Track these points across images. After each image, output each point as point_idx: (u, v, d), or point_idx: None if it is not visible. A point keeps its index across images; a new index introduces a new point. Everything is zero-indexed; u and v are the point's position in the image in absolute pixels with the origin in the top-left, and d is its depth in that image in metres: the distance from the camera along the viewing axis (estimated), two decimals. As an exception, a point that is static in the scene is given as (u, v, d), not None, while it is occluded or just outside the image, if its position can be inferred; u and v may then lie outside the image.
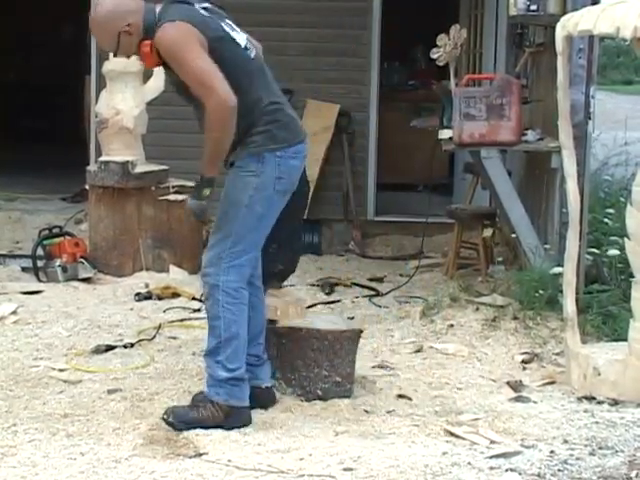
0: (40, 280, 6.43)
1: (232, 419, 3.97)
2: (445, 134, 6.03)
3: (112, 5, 3.95)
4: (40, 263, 6.61)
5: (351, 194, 8.26)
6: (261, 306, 4.24)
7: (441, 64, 6.31)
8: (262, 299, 4.26)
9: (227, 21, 4.09)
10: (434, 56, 6.28)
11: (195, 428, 3.90)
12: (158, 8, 3.98)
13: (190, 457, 3.66)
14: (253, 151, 3.98)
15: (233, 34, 4.05)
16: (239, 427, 3.95)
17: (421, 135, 7.53)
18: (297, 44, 8.25)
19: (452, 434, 3.94)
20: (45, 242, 6.65)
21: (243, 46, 4.06)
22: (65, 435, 3.83)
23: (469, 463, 3.65)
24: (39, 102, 14.39)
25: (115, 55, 4.06)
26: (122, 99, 6.82)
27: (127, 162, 6.62)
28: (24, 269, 6.78)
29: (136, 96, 6.82)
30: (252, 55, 4.09)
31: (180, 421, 3.92)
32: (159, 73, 6.73)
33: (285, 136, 4.03)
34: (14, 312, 5.59)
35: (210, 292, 3.99)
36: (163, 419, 3.93)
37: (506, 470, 3.60)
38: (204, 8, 4.03)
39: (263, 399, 4.20)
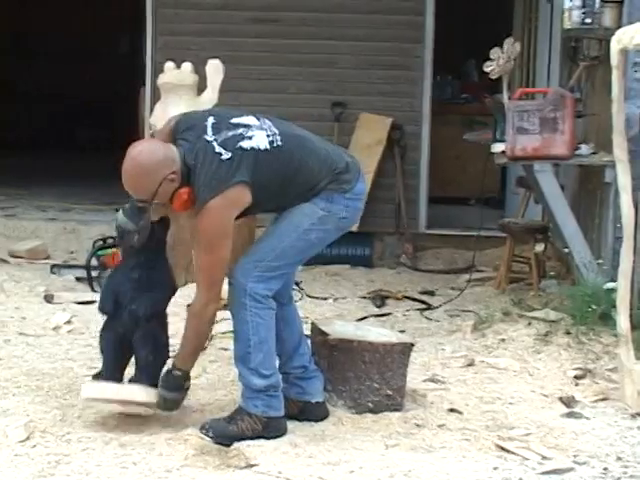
0: (94, 290, 6.50)
1: (270, 430, 3.98)
2: (498, 148, 6.00)
3: (162, 153, 3.89)
4: (94, 273, 6.68)
5: (403, 207, 8.25)
6: (296, 319, 4.30)
7: (494, 77, 6.29)
8: (295, 313, 4.33)
9: (248, 126, 4.00)
10: (487, 69, 6.26)
11: (234, 442, 3.91)
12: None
13: (241, 468, 3.67)
14: (322, 195, 4.03)
15: (257, 142, 3.97)
16: (276, 437, 3.97)
17: (473, 149, 7.51)
18: (350, 57, 8.29)
19: (503, 449, 3.92)
20: (99, 253, 6.72)
21: (268, 146, 3.98)
22: (118, 444, 3.85)
23: (520, 479, 3.63)
24: (95, 113, 14.56)
25: (146, 202, 3.93)
26: (176, 111, 6.84)
27: (181, 174, 6.67)
28: (78, 279, 6.86)
29: (190, 108, 6.85)
30: (280, 142, 4.01)
31: (219, 435, 3.93)
32: (213, 86, 6.81)
33: (349, 178, 4.10)
34: (68, 322, 5.66)
35: (236, 296, 4.00)
36: (202, 433, 3.93)
37: (558, 486, 3.58)
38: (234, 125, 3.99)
39: (315, 414, 4.20)
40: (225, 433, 3.94)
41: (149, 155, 3.90)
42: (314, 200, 4.03)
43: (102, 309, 4.09)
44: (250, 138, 3.96)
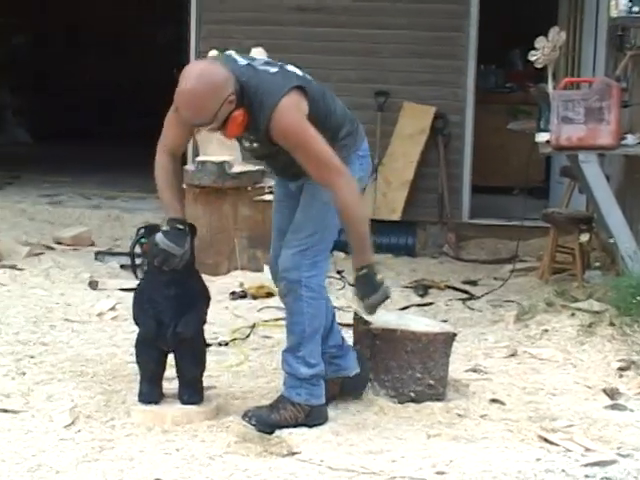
0: (138, 277, 6.53)
1: (312, 418, 3.99)
2: (542, 137, 5.96)
3: (223, 72, 3.75)
4: (138, 261, 6.72)
5: (446, 196, 8.23)
6: (328, 298, 4.28)
7: (539, 67, 6.24)
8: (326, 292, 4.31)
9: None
10: (532, 58, 6.21)
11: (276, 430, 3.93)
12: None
13: (283, 456, 3.69)
14: (341, 156, 3.96)
15: (294, 69, 3.97)
16: (318, 425, 3.97)
17: (517, 138, 7.47)
18: (394, 46, 8.26)
19: (546, 440, 3.90)
20: (143, 240, 6.75)
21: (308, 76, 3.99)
22: (161, 431, 3.88)
23: (563, 470, 3.61)
24: (140, 102, 14.64)
25: (204, 126, 3.81)
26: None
27: (224, 162, 6.69)
28: (122, 266, 6.91)
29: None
30: (311, 78, 4.01)
31: (262, 424, 3.93)
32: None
33: (360, 131, 4.08)
34: (112, 308, 5.71)
35: (291, 288, 3.98)
36: (244, 421, 3.94)
37: (601, 479, 3.55)
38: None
39: (355, 387, 4.23)
40: (267, 421, 3.95)
41: (213, 73, 3.73)
42: None
43: (146, 332, 4.02)
44: (287, 65, 3.96)
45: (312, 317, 4.00)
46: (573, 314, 5.41)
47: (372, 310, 3.91)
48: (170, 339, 3.97)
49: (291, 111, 3.76)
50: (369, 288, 3.86)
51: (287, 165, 3.96)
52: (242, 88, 3.77)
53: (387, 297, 3.91)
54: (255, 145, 3.93)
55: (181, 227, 3.93)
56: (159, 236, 3.90)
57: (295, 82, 3.82)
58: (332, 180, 3.77)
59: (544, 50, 6.14)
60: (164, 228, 3.95)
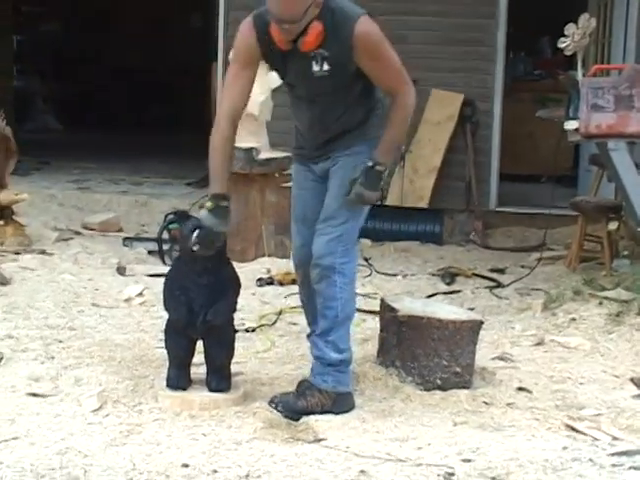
0: (165, 263, 6.57)
1: (339, 405, 4.00)
2: (571, 125, 5.92)
3: None
4: (165, 246, 6.75)
5: (473, 184, 8.21)
6: None
7: (569, 54, 6.20)
8: None
9: None
10: (562, 45, 6.17)
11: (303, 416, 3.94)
12: None
13: (309, 442, 3.69)
14: (375, 139, 4.00)
15: None
16: (344, 412, 3.98)
17: (546, 126, 7.43)
18: (422, 33, 8.23)
19: (573, 429, 3.89)
20: (170, 226, 6.78)
21: None
22: (188, 416, 3.89)
23: (590, 459, 3.60)
24: (166, 88, 14.69)
25: (291, 24, 3.82)
26: (248, 86, 6.88)
27: (252, 149, 6.70)
28: (150, 252, 6.94)
29: (262, 83, 6.84)
30: None
31: (288, 410, 3.94)
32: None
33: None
34: (140, 294, 5.73)
35: (324, 274, 3.99)
36: (271, 407, 3.95)
37: (629, 468, 3.53)
38: None
39: None
40: (294, 408, 3.96)
41: None
42: (363, 148, 3.99)
43: (176, 320, 4.02)
44: None
45: (345, 302, 4.02)
46: (601, 303, 5.38)
47: (357, 200, 3.95)
48: (200, 327, 3.98)
49: (373, 24, 3.91)
50: (372, 182, 3.95)
51: (329, 116, 3.96)
52: (323, 5, 3.87)
53: (379, 202, 3.99)
54: (325, 68, 3.91)
55: (225, 204, 3.94)
56: (204, 214, 3.91)
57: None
58: (402, 87, 3.93)
59: (574, 37, 6.10)
60: (208, 205, 3.96)
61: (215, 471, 3.40)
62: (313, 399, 4.00)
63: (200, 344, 4.10)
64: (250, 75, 4.06)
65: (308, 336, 4.36)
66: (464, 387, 4.26)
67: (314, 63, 3.93)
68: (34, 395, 4.03)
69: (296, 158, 4.27)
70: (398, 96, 3.94)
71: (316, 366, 4.06)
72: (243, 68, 4.05)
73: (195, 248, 3.88)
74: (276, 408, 3.96)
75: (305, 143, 4.18)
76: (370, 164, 3.93)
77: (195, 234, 3.88)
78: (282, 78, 4.13)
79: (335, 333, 4.01)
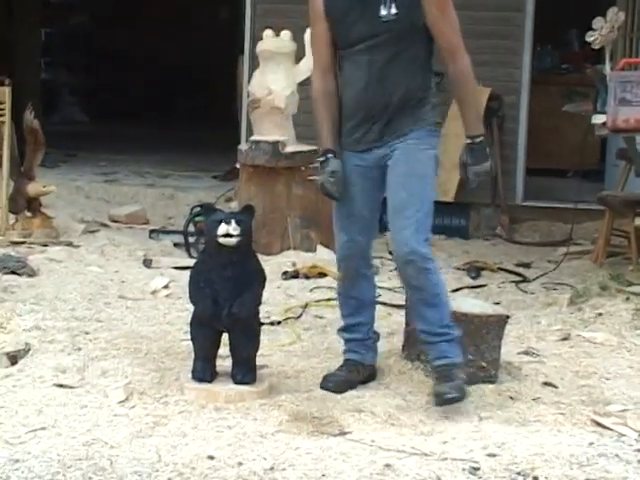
0: (191, 256, 6.59)
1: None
2: (598, 119, 5.90)
3: None
4: (191, 239, 6.77)
5: (500, 178, 8.18)
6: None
7: (597, 47, 6.17)
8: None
9: None
10: (589, 39, 6.14)
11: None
12: None
13: (334, 435, 3.69)
14: (430, 126, 4.03)
15: None
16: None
17: (573, 120, 7.40)
18: (448, 26, 8.18)
19: (599, 424, 3.86)
20: (196, 219, 6.80)
21: None
22: (213, 408, 3.90)
23: (617, 455, 3.58)
24: (194, 81, 14.71)
25: None
26: (274, 79, 6.90)
27: (278, 142, 6.71)
28: (176, 244, 6.96)
29: (288, 76, 6.89)
30: None
31: (462, 392, 3.96)
32: (311, 54, 6.80)
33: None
34: (166, 286, 5.75)
35: (420, 266, 3.99)
36: (448, 399, 3.92)
37: (655, 464, 3.52)
38: None
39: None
40: (461, 387, 3.97)
41: None
42: (422, 133, 3.99)
43: (202, 312, 4.03)
44: None
45: (443, 284, 4.12)
46: (628, 298, 5.36)
47: (478, 177, 3.99)
48: (225, 319, 3.99)
49: None
50: (481, 155, 3.97)
51: (390, 77, 3.95)
52: None
53: (489, 171, 3.99)
54: (392, 12, 3.92)
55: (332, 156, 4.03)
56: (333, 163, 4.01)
57: None
58: (461, 49, 4.02)
59: (602, 31, 6.07)
60: (320, 159, 4.06)
61: (240, 463, 3.40)
62: (461, 373, 4.02)
63: (226, 337, 4.11)
64: (324, 32, 4.08)
65: (340, 330, 4.37)
66: (489, 382, 4.24)
67: (382, 7, 3.94)
68: (61, 386, 4.06)
69: (344, 148, 4.15)
70: (457, 57, 3.99)
71: (448, 347, 4.04)
72: (316, 25, 4.10)
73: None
74: (452, 396, 3.92)
75: (358, 125, 4.08)
76: (469, 141, 3.94)
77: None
78: (341, 38, 4.05)
79: (448, 314, 4.07)
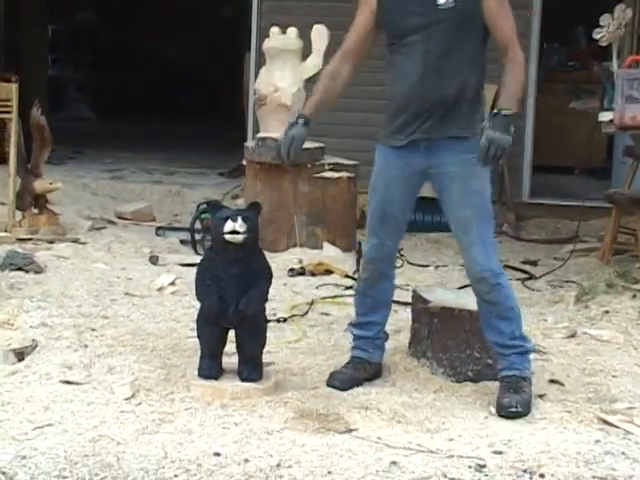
0: (197, 253, 6.59)
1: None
2: (606, 116, 5.90)
3: None
4: (198, 236, 6.77)
5: (506, 175, 8.16)
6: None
7: (604, 45, 6.17)
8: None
9: None
10: (597, 36, 6.14)
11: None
12: None
13: (340, 433, 3.68)
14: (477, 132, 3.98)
15: None
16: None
17: (580, 117, 7.39)
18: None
19: (606, 422, 3.86)
20: (203, 216, 6.81)
21: None
22: (219, 405, 3.90)
23: (623, 453, 3.58)
24: (199, 78, 14.72)
25: None
26: (281, 76, 6.90)
27: (284, 139, 6.69)
28: (182, 241, 6.96)
29: (294, 74, 6.89)
30: None
31: (527, 407, 3.94)
32: (318, 51, 6.81)
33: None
34: (172, 283, 5.75)
35: (492, 283, 3.99)
36: (512, 412, 3.89)
37: (661, 462, 3.52)
38: None
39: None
40: (528, 403, 3.96)
41: None
42: (475, 146, 3.90)
43: (208, 309, 4.02)
44: None
45: (515, 296, 4.11)
46: (634, 295, 5.35)
47: (489, 144, 3.75)
48: (231, 316, 3.98)
49: None
50: (501, 126, 3.76)
51: (444, 69, 3.91)
52: None
53: (505, 147, 3.80)
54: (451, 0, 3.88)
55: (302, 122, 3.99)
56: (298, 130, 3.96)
57: None
58: (515, 42, 3.95)
59: (609, 28, 6.07)
60: (291, 121, 4.03)
61: (246, 460, 3.40)
62: (529, 387, 4.02)
63: (232, 334, 4.11)
64: (363, 20, 4.07)
65: (350, 325, 4.36)
66: (495, 379, 4.20)
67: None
68: (67, 383, 4.06)
69: (385, 145, 4.10)
70: (510, 49, 3.92)
71: (517, 359, 4.05)
72: (361, 9, 4.09)
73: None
74: (517, 410, 3.90)
75: (410, 120, 4.00)
76: (495, 111, 3.83)
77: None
78: (394, 27, 3.99)
79: (520, 326, 4.08)
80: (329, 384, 4.15)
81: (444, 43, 3.91)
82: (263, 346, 4.13)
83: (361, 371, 4.24)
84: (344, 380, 4.17)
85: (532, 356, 4.18)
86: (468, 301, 4.39)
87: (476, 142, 3.81)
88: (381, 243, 4.15)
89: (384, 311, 4.31)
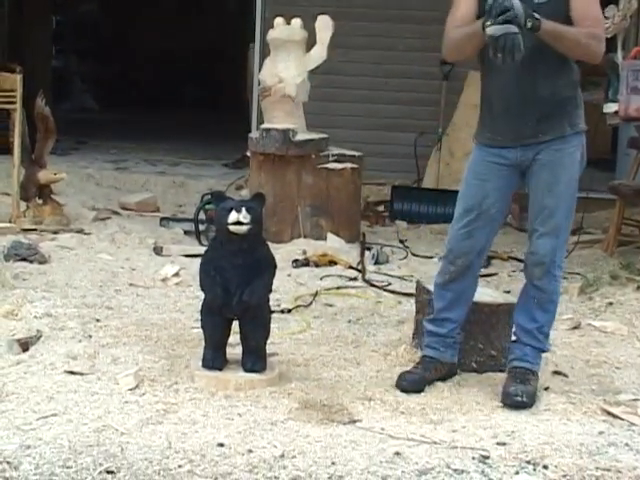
0: (201, 243, 6.59)
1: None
2: (610, 108, 5.89)
3: None
4: (202, 227, 6.77)
5: (510, 167, 8.13)
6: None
7: (609, 36, 6.13)
8: None
9: None
10: (602, 27, 6.11)
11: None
12: None
13: (344, 424, 3.68)
14: (577, 128, 3.99)
15: None
16: None
17: (584, 108, 7.35)
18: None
19: (609, 414, 3.86)
20: (207, 207, 6.80)
21: None
22: (223, 396, 3.90)
23: (627, 444, 3.58)
24: (203, 70, 14.69)
25: None
26: (285, 67, 6.88)
27: (288, 130, 6.69)
28: (186, 232, 6.96)
29: (299, 64, 6.87)
30: None
31: (531, 398, 3.95)
32: (322, 42, 6.79)
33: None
34: (176, 274, 5.75)
35: (548, 271, 4.00)
36: (517, 402, 3.89)
37: (665, 453, 3.51)
38: None
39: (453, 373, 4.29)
40: (533, 395, 3.97)
41: None
42: (569, 138, 3.93)
43: (212, 300, 4.02)
44: None
45: (559, 295, 4.12)
46: (639, 287, 5.35)
47: (496, 42, 3.63)
48: (236, 307, 3.98)
49: None
50: (498, 8, 3.62)
51: (540, 67, 3.85)
52: None
53: (513, 34, 3.63)
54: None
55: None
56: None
57: None
58: (601, 33, 3.86)
59: (614, 19, 6.05)
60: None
61: (250, 451, 3.40)
62: (536, 382, 4.03)
63: (236, 324, 4.10)
64: (466, 7, 4.00)
65: (426, 320, 4.25)
66: (500, 370, 4.22)
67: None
68: (72, 373, 4.06)
69: (482, 143, 4.06)
70: (597, 42, 3.83)
71: (531, 353, 4.06)
72: (464, 3, 4.02)
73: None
74: (522, 400, 3.90)
75: (502, 123, 3.97)
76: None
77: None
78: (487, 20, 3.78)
79: (552, 325, 4.10)
80: (397, 386, 4.05)
81: (536, 40, 3.80)
82: (267, 337, 4.12)
83: (432, 371, 4.14)
84: (413, 381, 4.07)
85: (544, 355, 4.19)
86: (472, 292, 4.39)
87: (572, 137, 3.92)
88: (473, 236, 4.08)
89: (462, 309, 4.17)
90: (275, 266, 4.10)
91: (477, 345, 4.26)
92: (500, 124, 4.00)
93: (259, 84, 7.28)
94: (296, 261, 6.20)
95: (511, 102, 3.94)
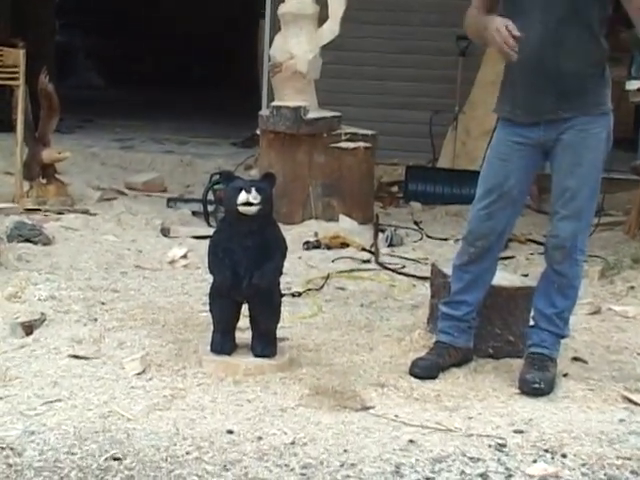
0: (210, 225, 6.51)
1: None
2: (633, 85, 5.79)
3: None
4: (210, 208, 6.68)
5: (527, 147, 8.04)
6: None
7: None
8: None
9: None
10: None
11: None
12: None
13: (356, 410, 3.62)
14: (603, 109, 3.90)
15: None
16: None
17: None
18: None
19: (630, 401, 3.80)
20: (216, 187, 6.71)
21: None
22: (232, 381, 3.84)
23: (648, 432, 3.51)
24: (213, 46, 14.60)
25: None
26: (296, 43, 6.77)
27: (299, 107, 6.58)
28: (194, 213, 6.88)
29: (310, 40, 6.76)
30: None
31: (550, 385, 3.88)
32: (335, 16, 6.68)
33: None
34: (184, 256, 5.68)
35: (569, 254, 3.91)
36: (535, 388, 3.83)
37: (688, 442, 3.43)
38: None
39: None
40: (552, 382, 3.90)
41: None
42: (595, 118, 3.84)
43: (221, 283, 3.93)
44: None
45: (581, 280, 4.06)
46: (660, 271, 5.28)
47: None
48: (245, 290, 3.90)
49: None
50: None
51: (564, 38, 3.78)
52: None
53: None
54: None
55: None
56: None
57: None
58: None
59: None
60: None
61: (260, 438, 3.34)
62: (555, 369, 3.97)
63: (245, 308, 4.03)
64: None
65: (442, 303, 4.17)
66: (517, 356, 4.14)
67: None
68: (77, 357, 4.01)
69: (504, 122, 4.00)
70: None
71: (550, 339, 3.99)
72: None
73: None
74: (540, 387, 3.84)
75: (522, 96, 3.89)
76: None
77: None
78: None
79: (571, 310, 4.02)
80: (410, 372, 3.99)
81: (562, 11, 3.73)
82: (277, 321, 4.05)
83: (445, 357, 4.06)
84: (426, 367, 4.00)
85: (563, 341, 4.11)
86: (489, 275, 4.30)
87: (597, 117, 3.83)
88: (493, 218, 3.99)
89: (479, 292, 4.09)
90: (286, 248, 4.02)
91: (494, 330, 4.19)
92: (520, 97, 3.92)
93: (269, 60, 7.16)
94: (307, 243, 6.13)
95: (533, 75, 3.85)
